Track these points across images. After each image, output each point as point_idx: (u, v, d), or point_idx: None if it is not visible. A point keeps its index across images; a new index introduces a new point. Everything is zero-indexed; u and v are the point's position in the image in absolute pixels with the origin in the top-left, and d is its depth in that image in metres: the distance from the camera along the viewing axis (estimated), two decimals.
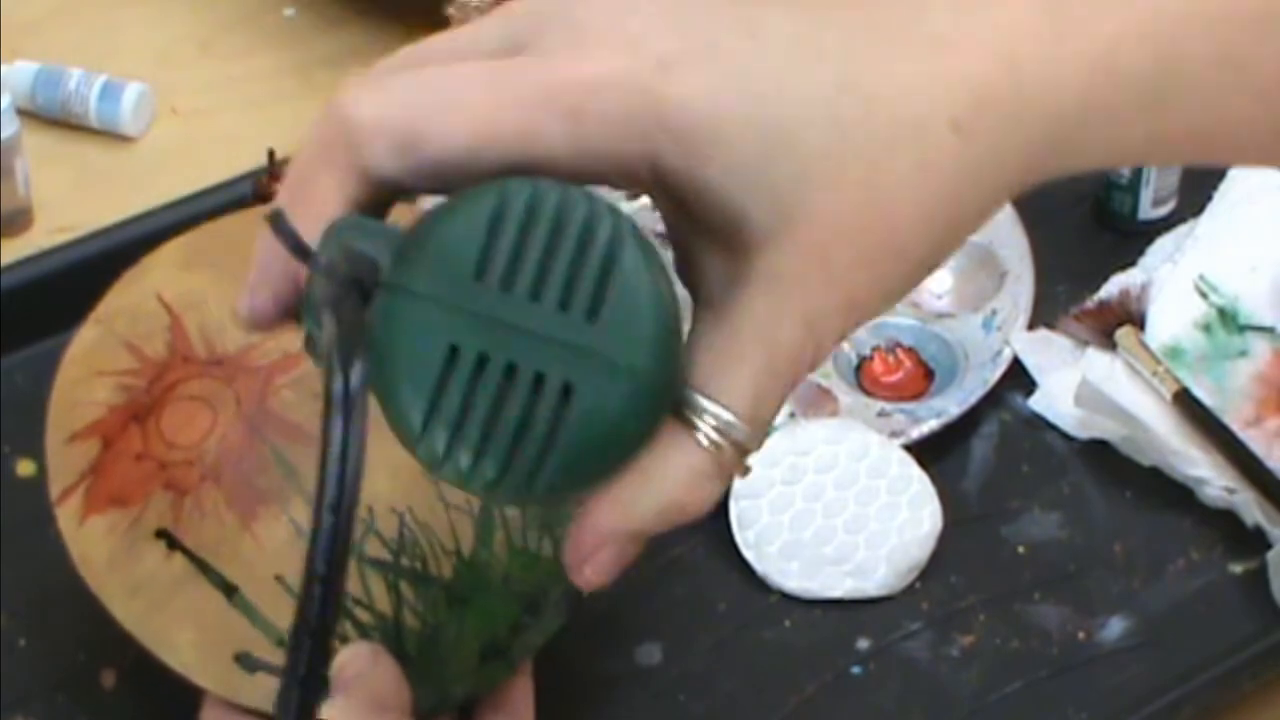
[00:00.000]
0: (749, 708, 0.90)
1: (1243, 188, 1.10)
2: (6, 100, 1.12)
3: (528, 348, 0.49)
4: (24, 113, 1.16)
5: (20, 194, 1.13)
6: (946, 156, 0.49)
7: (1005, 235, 1.10)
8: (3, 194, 1.12)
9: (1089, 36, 0.50)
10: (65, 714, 0.90)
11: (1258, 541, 0.96)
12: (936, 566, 0.95)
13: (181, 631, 0.80)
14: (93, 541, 0.82)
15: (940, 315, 1.06)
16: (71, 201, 1.15)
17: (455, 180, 0.50)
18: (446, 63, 0.52)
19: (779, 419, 1.01)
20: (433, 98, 0.50)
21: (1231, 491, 0.97)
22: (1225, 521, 0.97)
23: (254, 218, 0.87)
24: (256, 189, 1.00)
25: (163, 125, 1.21)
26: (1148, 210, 1.12)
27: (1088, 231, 1.13)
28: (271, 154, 0.99)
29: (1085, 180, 1.14)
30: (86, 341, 0.87)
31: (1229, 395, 1.01)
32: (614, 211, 0.50)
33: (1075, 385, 1.01)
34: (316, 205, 0.51)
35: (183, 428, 0.83)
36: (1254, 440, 0.98)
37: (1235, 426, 0.98)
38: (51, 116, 1.20)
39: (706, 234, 0.51)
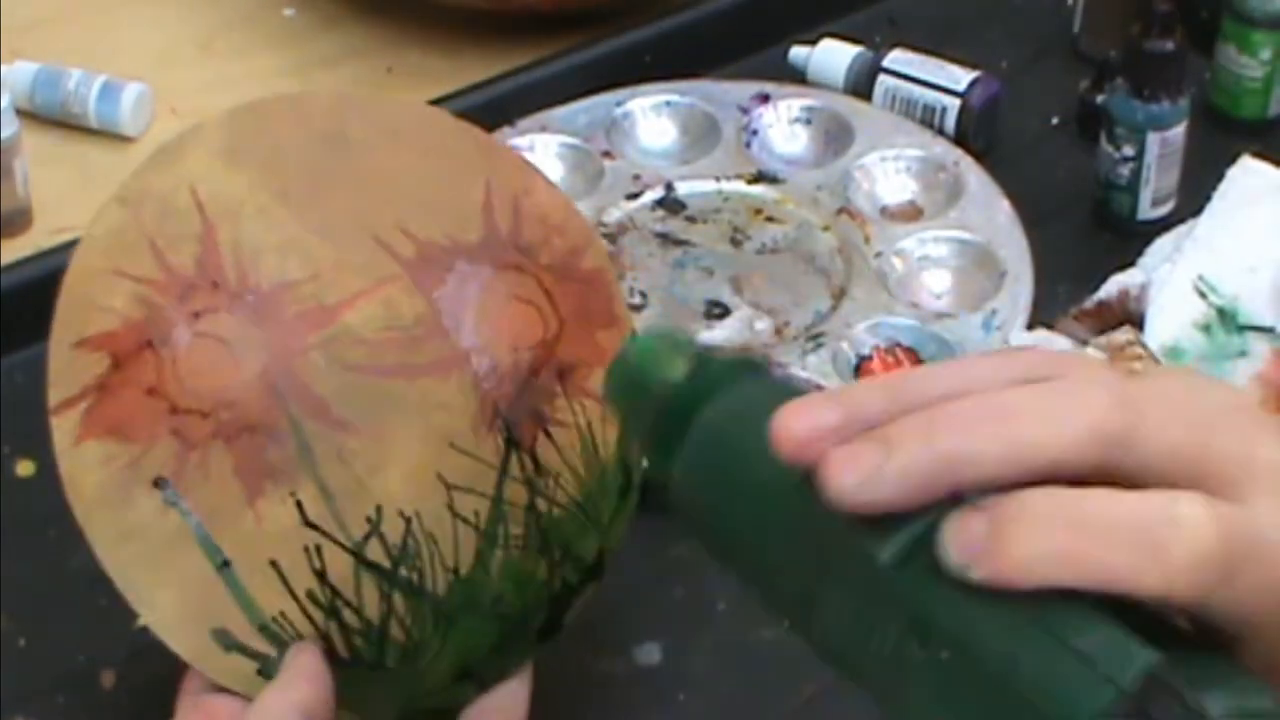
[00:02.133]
0: (749, 708, 0.90)
1: (1242, 188, 1.10)
2: (6, 100, 1.12)
3: None
4: (24, 113, 1.16)
5: (20, 194, 1.13)
6: None
7: (1005, 235, 1.10)
8: (3, 194, 1.12)
9: None
10: (65, 714, 0.90)
11: None
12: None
13: (164, 590, 0.77)
14: (84, 467, 0.78)
15: (940, 315, 1.07)
16: (71, 201, 1.15)
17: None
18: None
19: None
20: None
21: None
22: None
23: (300, 106, 0.83)
24: None
25: (163, 125, 1.21)
26: (1147, 210, 1.12)
27: (1088, 231, 1.13)
28: None
29: (1085, 180, 1.14)
30: (110, 225, 0.81)
31: None
32: None
33: None
34: None
35: (202, 372, 0.78)
36: None
37: None
38: (51, 116, 1.20)
39: None
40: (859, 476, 0.50)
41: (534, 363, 0.81)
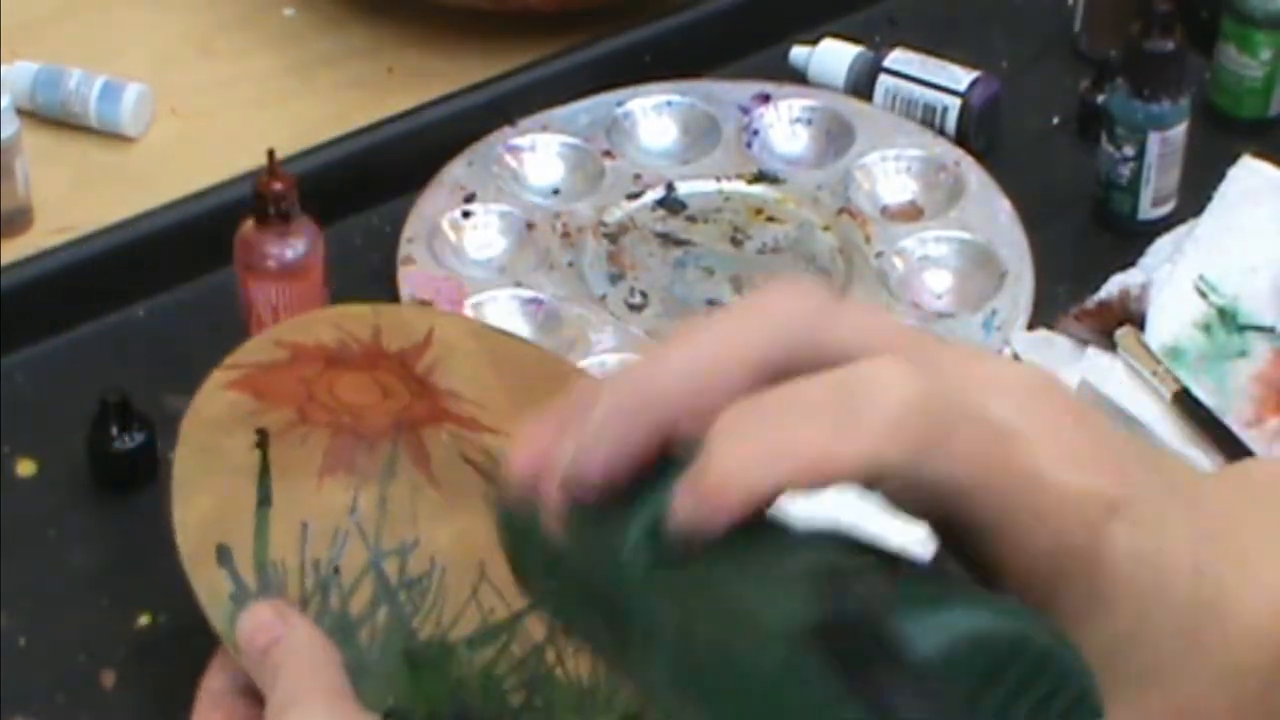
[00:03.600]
0: None
1: (1243, 188, 1.10)
2: (6, 100, 1.12)
3: None
4: (24, 113, 1.16)
5: (20, 194, 1.13)
6: (1247, 711, 0.51)
7: (1005, 235, 1.10)
8: (3, 194, 1.12)
9: None
10: (65, 714, 0.90)
11: None
12: (945, 561, 0.95)
13: (205, 497, 0.82)
14: (215, 405, 0.85)
15: (940, 315, 1.06)
16: (71, 201, 1.15)
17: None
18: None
19: None
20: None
21: None
22: None
23: (556, 358, 0.95)
24: (256, 189, 1.00)
25: (163, 125, 1.21)
26: (1148, 210, 1.12)
27: (1088, 231, 1.13)
28: (271, 154, 0.99)
29: (1085, 180, 1.14)
30: (352, 310, 0.92)
31: (1229, 395, 1.01)
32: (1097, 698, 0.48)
33: (1075, 385, 1.01)
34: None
35: (350, 391, 0.87)
36: (1254, 440, 0.98)
37: (1235, 426, 0.98)
38: (51, 116, 1.20)
39: None
40: (569, 453, 0.49)
41: None
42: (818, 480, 0.47)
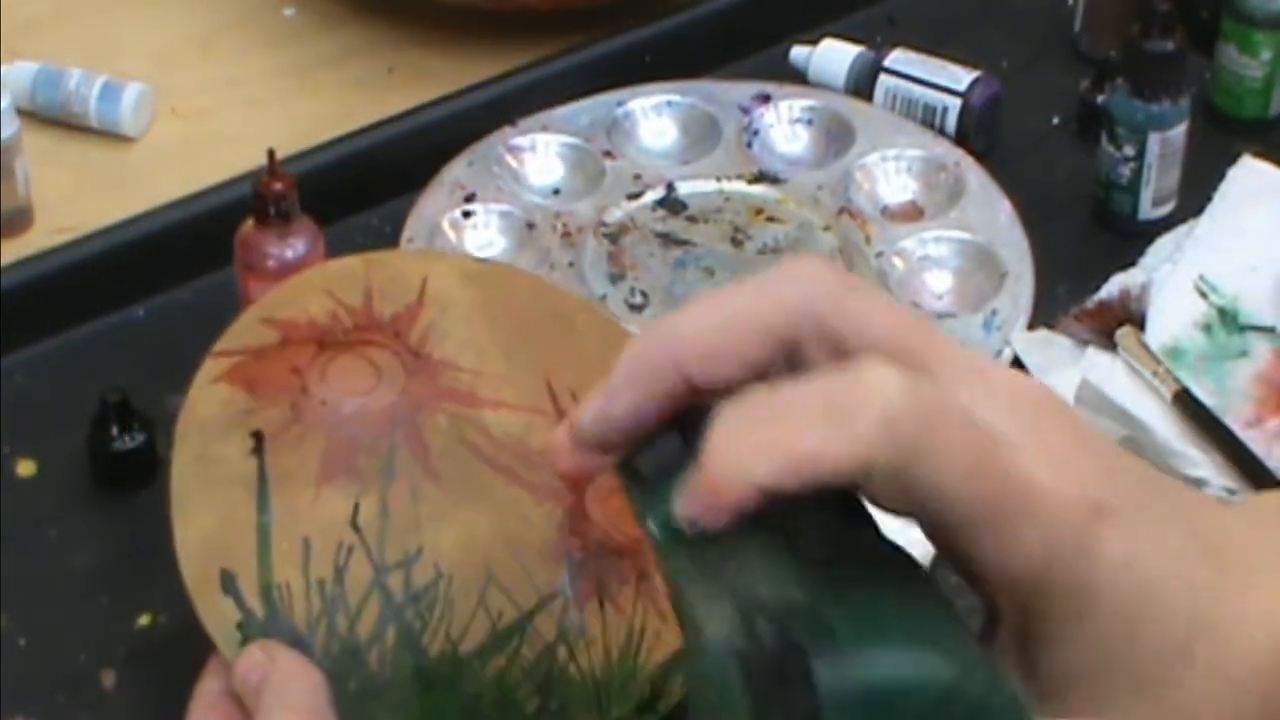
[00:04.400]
0: None
1: (1243, 188, 1.10)
2: (6, 100, 1.12)
3: None
4: (24, 113, 1.16)
5: (20, 194, 1.13)
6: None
7: (1005, 235, 1.10)
8: (3, 194, 1.12)
9: None
10: (65, 714, 0.90)
11: None
12: (939, 566, 0.95)
13: (206, 516, 0.81)
14: (207, 399, 0.84)
15: (940, 315, 1.06)
16: (71, 201, 1.15)
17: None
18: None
19: None
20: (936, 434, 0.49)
21: (1232, 492, 0.97)
22: None
23: (552, 289, 0.91)
24: (256, 189, 1.00)
25: (163, 125, 1.21)
26: (1148, 210, 1.12)
27: (1088, 231, 1.13)
28: (271, 154, 0.99)
29: (1085, 180, 1.14)
30: (343, 265, 0.89)
31: (1229, 395, 1.01)
32: None
33: (1075, 385, 1.01)
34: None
35: (343, 376, 0.85)
36: (1254, 440, 0.98)
37: (1235, 427, 0.98)
38: (51, 116, 1.20)
39: (1017, 665, 0.53)
40: (588, 411, 0.52)
41: (629, 554, 0.83)
42: (809, 479, 0.48)
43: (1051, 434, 0.51)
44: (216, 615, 0.79)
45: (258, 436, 0.83)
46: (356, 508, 0.81)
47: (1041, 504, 0.50)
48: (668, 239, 1.12)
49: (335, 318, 0.86)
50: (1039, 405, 0.52)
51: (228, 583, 0.80)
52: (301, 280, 0.89)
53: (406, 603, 0.80)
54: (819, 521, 0.50)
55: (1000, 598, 0.52)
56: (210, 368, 0.85)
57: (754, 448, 0.48)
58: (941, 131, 1.17)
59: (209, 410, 0.84)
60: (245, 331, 0.86)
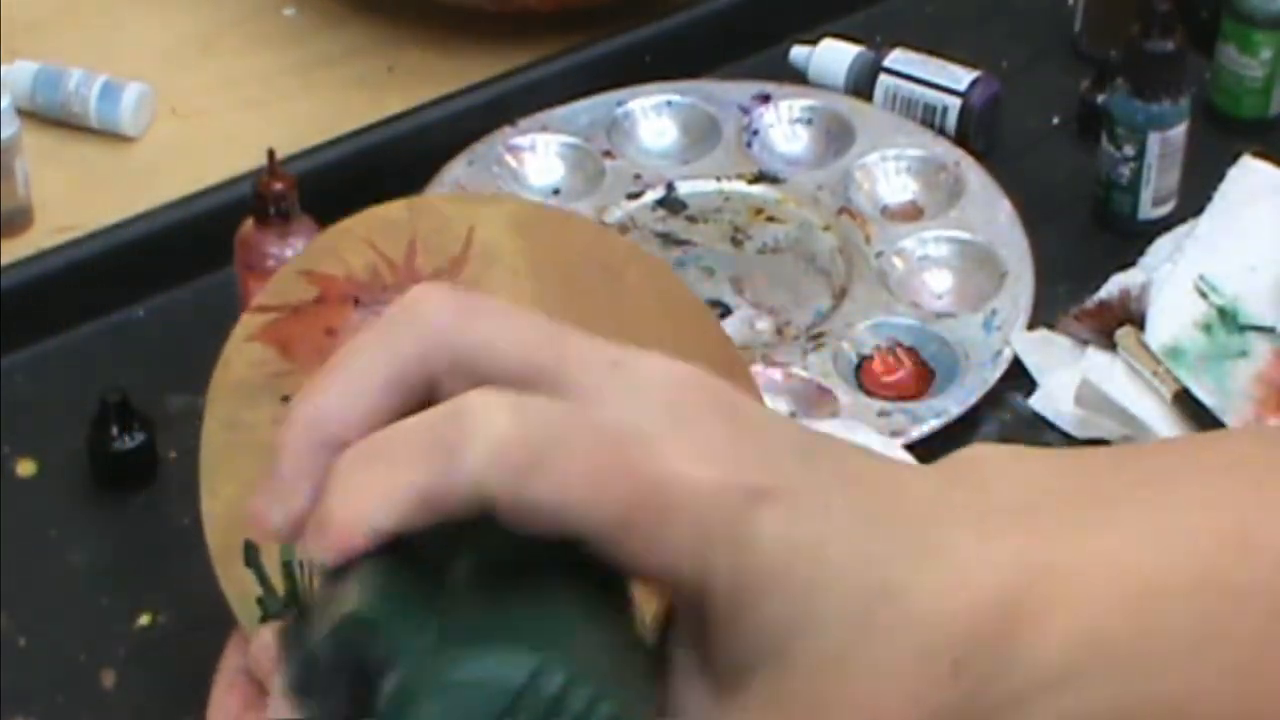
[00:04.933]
0: None
1: (1243, 188, 1.10)
2: (6, 100, 1.12)
3: None
4: (24, 113, 1.16)
5: (20, 194, 1.13)
6: (940, 692, 0.51)
7: (1005, 235, 1.10)
8: (3, 194, 1.12)
9: (1071, 610, 0.51)
10: (65, 714, 0.90)
11: None
12: None
13: (231, 484, 0.81)
14: (241, 360, 0.84)
15: (940, 315, 1.06)
16: (71, 201, 1.15)
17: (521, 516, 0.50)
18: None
19: None
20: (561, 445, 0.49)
21: None
22: None
23: (602, 236, 0.89)
24: (256, 189, 1.00)
25: (163, 125, 1.21)
26: (1148, 210, 1.12)
27: (1088, 231, 1.13)
28: (271, 154, 0.99)
29: (1085, 180, 1.14)
30: (387, 214, 0.88)
31: (1229, 395, 1.01)
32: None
33: (1075, 385, 1.01)
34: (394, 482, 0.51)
35: None
36: None
37: (1235, 427, 0.98)
38: (51, 116, 1.20)
39: (700, 660, 0.52)
40: (274, 512, 0.54)
41: None
42: (429, 516, 0.49)
43: (702, 421, 0.50)
44: (238, 587, 0.79)
45: (288, 401, 0.82)
46: None
47: (687, 497, 0.49)
48: (668, 239, 1.12)
49: (375, 273, 0.86)
50: (688, 393, 0.51)
51: (250, 555, 0.80)
52: (345, 228, 0.88)
53: None
54: (478, 538, 0.51)
55: (672, 599, 0.52)
56: (247, 323, 0.85)
57: (367, 493, 0.49)
58: (941, 131, 1.17)
59: (241, 371, 0.84)
60: (285, 284, 0.86)
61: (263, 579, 0.79)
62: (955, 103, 1.17)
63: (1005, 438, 1.02)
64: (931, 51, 1.20)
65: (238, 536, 0.80)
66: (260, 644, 0.77)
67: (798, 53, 1.22)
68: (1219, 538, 0.53)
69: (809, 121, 1.18)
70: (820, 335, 1.04)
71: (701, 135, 1.18)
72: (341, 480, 0.50)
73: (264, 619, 0.79)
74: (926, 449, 0.98)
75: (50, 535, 0.97)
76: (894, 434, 0.99)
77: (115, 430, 0.98)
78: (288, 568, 0.80)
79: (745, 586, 0.50)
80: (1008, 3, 1.29)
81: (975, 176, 1.13)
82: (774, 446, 0.51)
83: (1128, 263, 1.09)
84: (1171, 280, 1.06)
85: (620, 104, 1.18)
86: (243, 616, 0.79)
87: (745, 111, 1.18)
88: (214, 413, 0.83)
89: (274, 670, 0.76)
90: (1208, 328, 1.04)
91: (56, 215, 1.14)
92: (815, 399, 1.01)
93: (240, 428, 0.82)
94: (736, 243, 1.11)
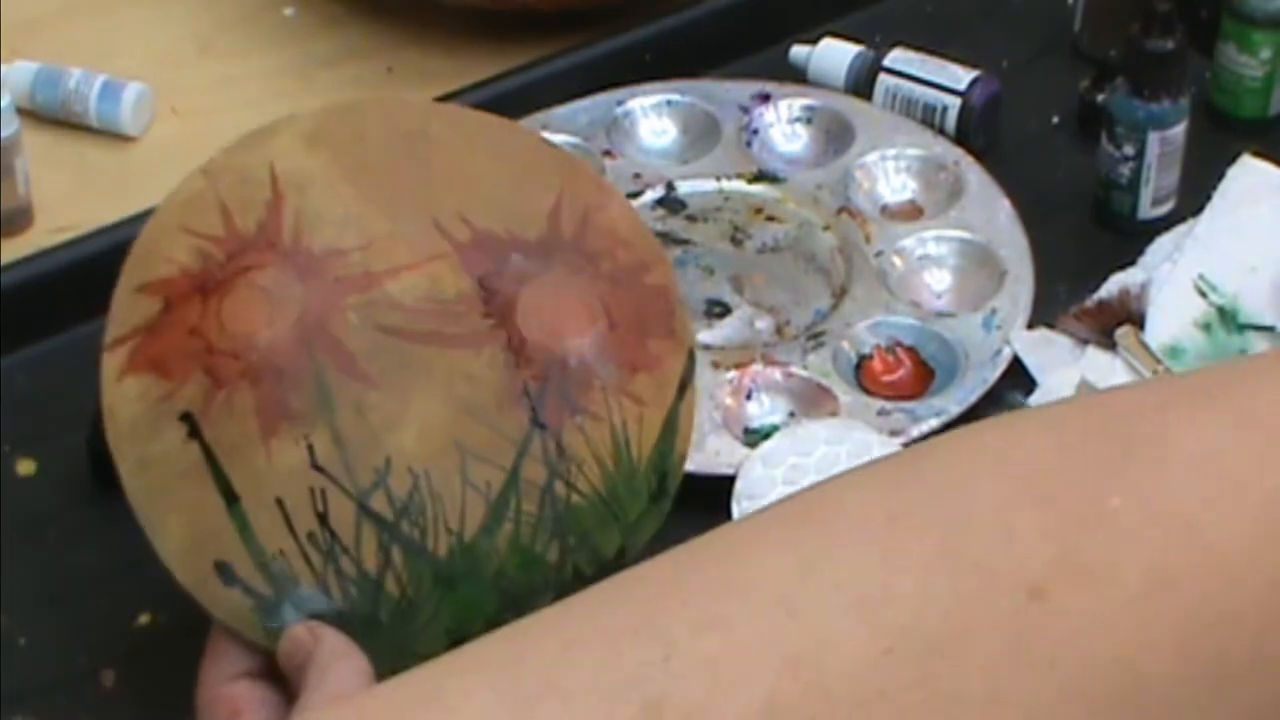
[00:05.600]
0: None
1: (1243, 187, 1.10)
2: (6, 100, 1.12)
3: None
4: (24, 113, 1.16)
5: (20, 194, 1.13)
6: None
7: (1005, 235, 1.10)
8: (3, 194, 1.12)
9: None
10: (65, 714, 0.90)
11: None
12: None
13: (174, 517, 0.80)
14: (123, 400, 0.82)
15: (940, 314, 1.07)
16: (71, 201, 1.15)
17: None
18: None
19: (779, 419, 1.01)
20: None
21: None
22: None
23: (389, 106, 0.87)
24: None
25: (163, 125, 1.21)
26: (1147, 210, 1.12)
27: (1088, 231, 1.13)
28: None
29: (1085, 180, 1.14)
30: (188, 191, 0.85)
31: None
32: None
33: (1075, 385, 1.01)
34: None
35: (240, 317, 0.81)
36: None
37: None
38: (51, 116, 1.20)
39: None
40: None
41: (575, 352, 0.82)
42: None
43: None
44: (228, 608, 0.79)
45: (188, 419, 0.81)
46: (310, 448, 0.80)
47: None
48: (667, 238, 1.12)
49: (205, 255, 0.83)
50: None
51: (227, 575, 0.79)
52: (154, 227, 0.85)
53: (398, 518, 0.79)
54: None
55: None
56: (109, 364, 0.83)
57: None
58: (941, 131, 1.17)
59: (128, 412, 0.82)
60: (126, 309, 0.83)
61: (248, 590, 0.79)
62: (955, 102, 1.17)
63: None
64: (931, 51, 1.20)
65: (205, 561, 0.80)
66: (293, 642, 0.78)
67: (797, 52, 1.22)
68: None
69: (809, 121, 1.18)
70: (820, 335, 1.04)
71: (701, 134, 1.18)
72: None
73: (265, 625, 0.79)
74: None
75: (50, 535, 0.97)
76: (893, 433, 0.99)
77: None
78: (265, 569, 0.79)
79: None
80: (1008, 2, 1.29)
81: (975, 176, 1.13)
82: None
83: (1127, 262, 1.09)
84: (1171, 279, 1.06)
85: (620, 103, 1.18)
86: (246, 631, 0.79)
87: (745, 111, 1.18)
88: (123, 462, 0.81)
89: (306, 663, 0.77)
90: (1207, 327, 1.04)
91: (56, 215, 1.14)
92: (815, 398, 1.01)
93: (154, 464, 0.81)
94: (736, 242, 1.11)
